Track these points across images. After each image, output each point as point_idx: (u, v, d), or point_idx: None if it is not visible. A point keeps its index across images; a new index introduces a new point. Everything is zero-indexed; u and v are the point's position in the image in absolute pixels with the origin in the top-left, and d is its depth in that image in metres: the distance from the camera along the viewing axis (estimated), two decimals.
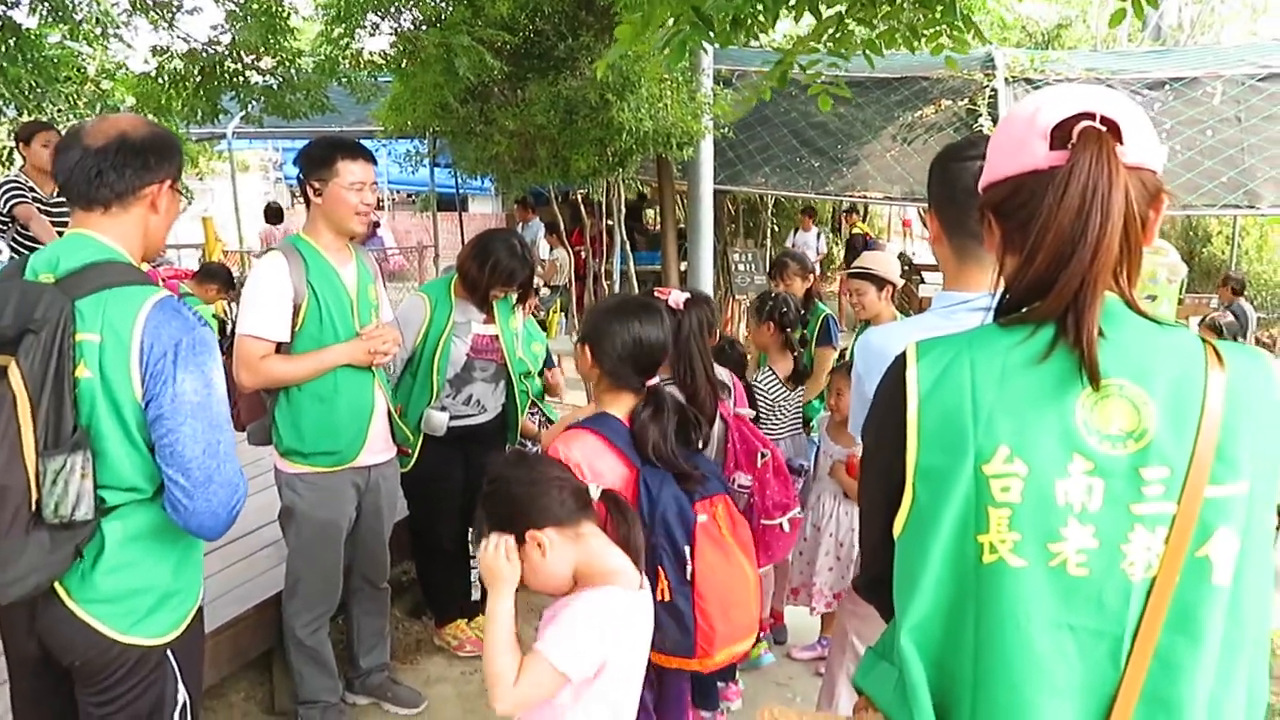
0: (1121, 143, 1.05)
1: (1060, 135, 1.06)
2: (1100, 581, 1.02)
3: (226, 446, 1.81)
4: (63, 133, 4.49)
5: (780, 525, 2.97)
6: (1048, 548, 1.02)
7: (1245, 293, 8.80)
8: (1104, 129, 1.04)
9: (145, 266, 1.99)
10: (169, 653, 1.89)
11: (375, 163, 2.99)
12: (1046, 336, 1.05)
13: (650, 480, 2.19)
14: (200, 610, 2.00)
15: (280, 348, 2.87)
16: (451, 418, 3.54)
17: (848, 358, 4.06)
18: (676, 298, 2.82)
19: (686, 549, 2.18)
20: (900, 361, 1.13)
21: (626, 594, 1.83)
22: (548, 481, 1.87)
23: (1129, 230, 1.04)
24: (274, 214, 12.01)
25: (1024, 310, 1.09)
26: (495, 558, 1.85)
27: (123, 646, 1.82)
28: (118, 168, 1.80)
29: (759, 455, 2.95)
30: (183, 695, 1.93)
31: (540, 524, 1.84)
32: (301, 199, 3.02)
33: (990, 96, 9.18)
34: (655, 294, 2.90)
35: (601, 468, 2.19)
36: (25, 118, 6.47)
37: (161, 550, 1.86)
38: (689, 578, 2.19)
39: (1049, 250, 1.03)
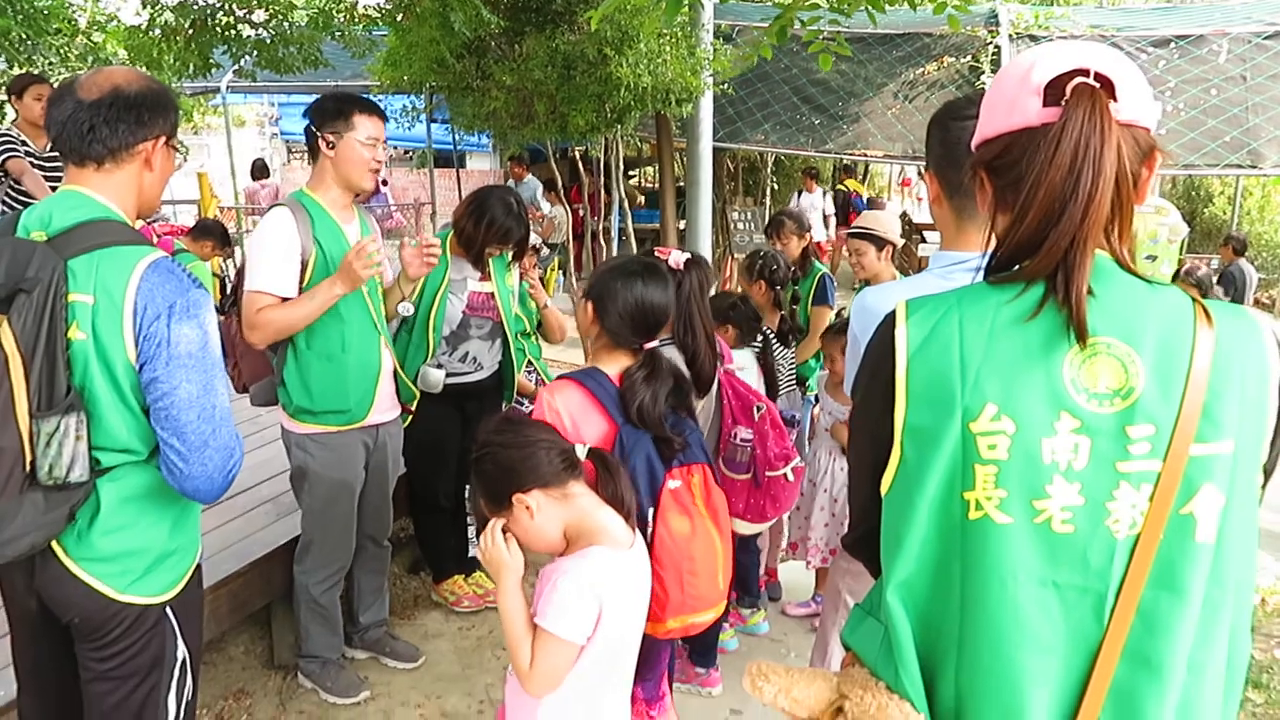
0: (1115, 100, 1.04)
1: (1053, 92, 1.05)
2: (1085, 538, 1.03)
3: (222, 410, 1.80)
4: (55, 85, 4.45)
5: (784, 475, 2.99)
6: (1033, 505, 1.03)
7: (1247, 253, 8.76)
8: (1097, 85, 1.03)
9: (139, 223, 1.97)
10: (168, 610, 1.90)
11: (387, 120, 2.97)
12: (1036, 295, 1.05)
13: (626, 438, 2.20)
14: (199, 568, 2.01)
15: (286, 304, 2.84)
16: (448, 375, 3.55)
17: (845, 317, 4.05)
18: (677, 258, 2.81)
19: (650, 511, 2.19)
20: (889, 320, 1.14)
21: (612, 553, 1.84)
22: (533, 444, 1.87)
23: (1121, 188, 1.03)
24: (260, 170, 11.97)
25: (1014, 268, 1.08)
26: (495, 549, 1.85)
27: (121, 605, 1.83)
28: (111, 123, 1.76)
29: (755, 408, 2.97)
30: (182, 651, 1.95)
31: (526, 486, 1.85)
32: (299, 155, 2.98)
33: (994, 53, 9.07)
34: (655, 253, 2.88)
35: (581, 419, 2.20)
36: (16, 70, 6.40)
37: (158, 511, 1.86)
38: (648, 540, 2.19)
39: (1040, 208, 1.03)
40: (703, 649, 3.37)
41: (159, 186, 1.92)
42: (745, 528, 3.07)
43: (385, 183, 13.22)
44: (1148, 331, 1.03)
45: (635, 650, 1.97)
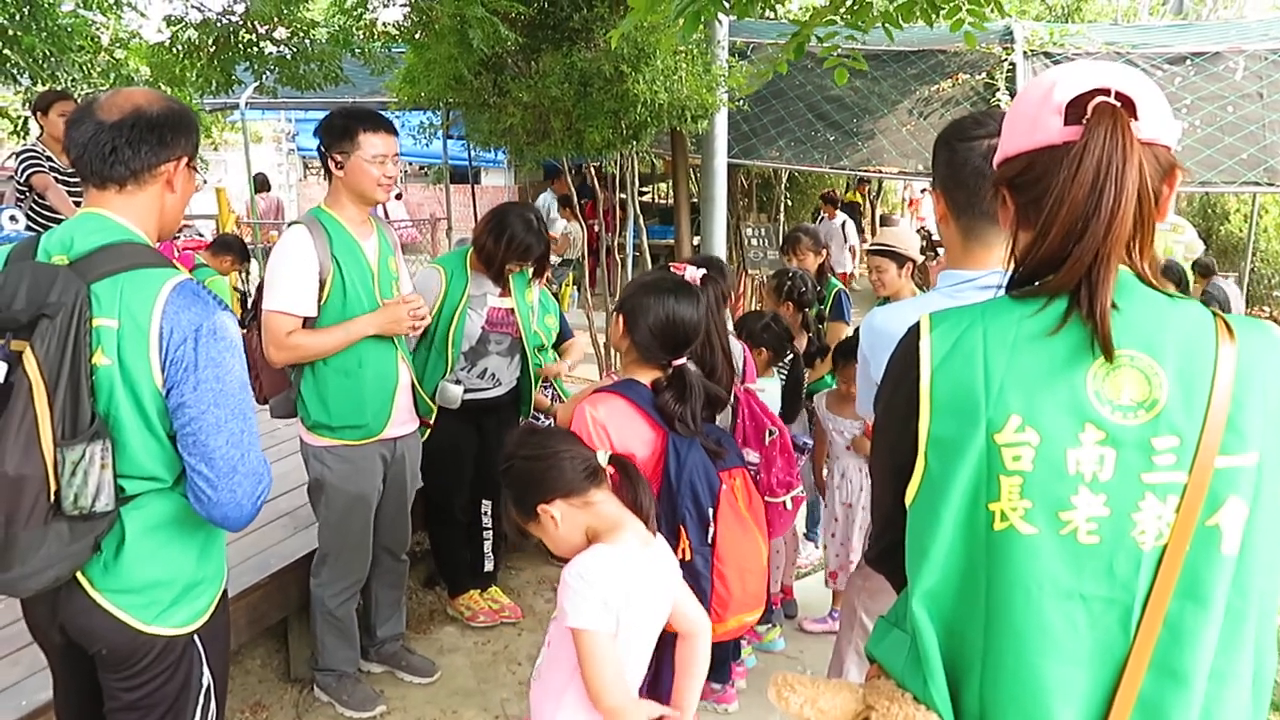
0: (1136, 118, 1.06)
1: (1075, 111, 1.07)
2: (1110, 550, 1.03)
3: (250, 435, 1.77)
4: (79, 102, 4.50)
5: (784, 503, 3.00)
6: (1058, 516, 1.04)
7: (1233, 272, 8.67)
8: (1118, 104, 1.05)
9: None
10: (195, 638, 1.87)
11: (397, 134, 2.99)
12: (1059, 308, 1.06)
13: (679, 444, 2.25)
14: (225, 594, 1.98)
15: (306, 323, 2.87)
16: (466, 391, 3.57)
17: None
18: (693, 273, 2.82)
19: (710, 511, 2.24)
20: (914, 332, 1.15)
21: (615, 549, 1.86)
22: (554, 456, 1.92)
23: (1142, 205, 1.05)
24: (261, 184, 12.27)
25: (1037, 284, 1.10)
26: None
27: (148, 636, 1.79)
28: (133, 144, 1.73)
29: (767, 432, 2.97)
30: (207, 678, 1.91)
31: (549, 497, 1.89)
32: (315, 171, 3.03)
33: (1008, 71, 9.06)
34: (670, 268, 2.89)
35: (627, 430, 2.25)
36: (39, 87, 6.48)
37: (184, 540, 1.83)
38: (709, 540, 2.23)
39: (1063, 224, 1.05)
40: (716, 664, 3.35)
41: (180, 207, 1.88)
42: None
43: (400, 196, 13.37)
44: (1170, 344, 1.04)
45: (646, 651, 1.97)
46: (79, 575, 1.73)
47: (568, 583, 1.82)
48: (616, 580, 1.82)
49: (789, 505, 2.98)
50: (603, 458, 1.97)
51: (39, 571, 1.64)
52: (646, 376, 2.35)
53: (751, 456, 2.97)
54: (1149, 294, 1.07)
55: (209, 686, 1.92)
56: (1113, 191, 1.02)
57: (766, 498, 2.96)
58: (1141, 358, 1.03)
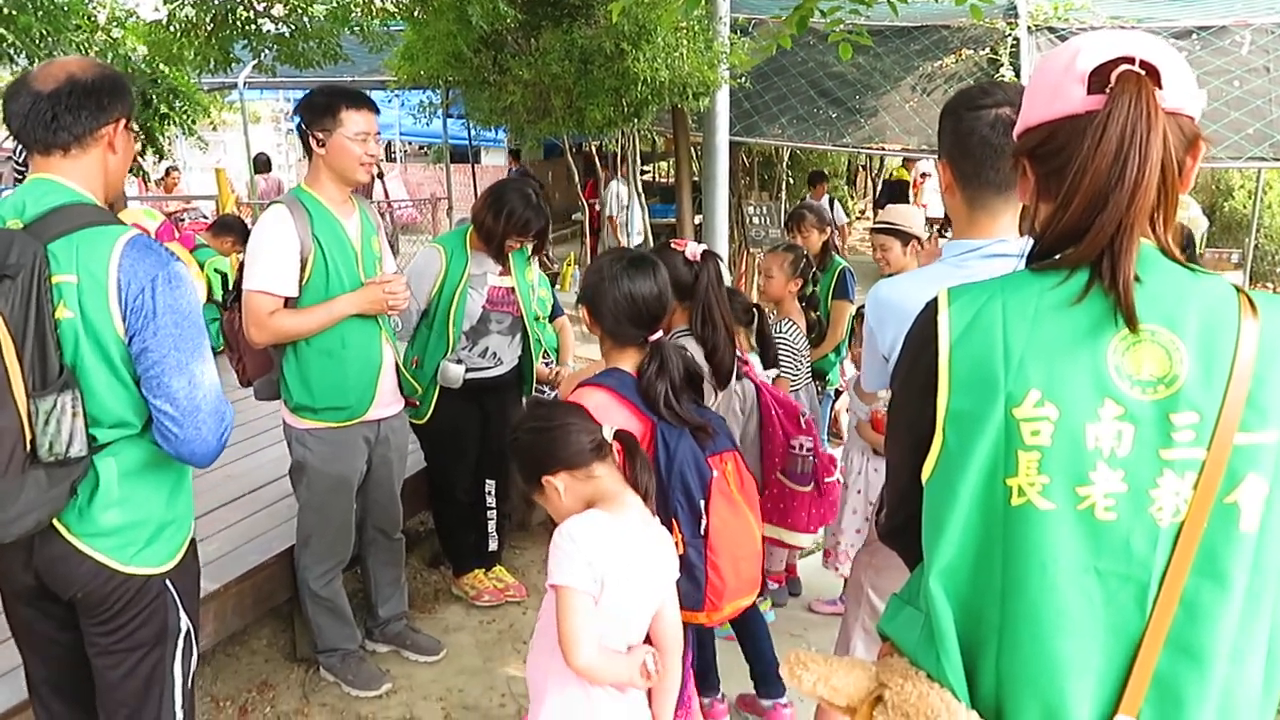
0: (1160, 87, 1.04)
1: (1098, 79, 1.05)
2: (1128, 526, 1.02)
3: (211, 376, 1.88)
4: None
5: (837, 479, 3.03)
6: (1076, 491, 1.02)
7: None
8: (1143, 73, 1.03)
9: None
10: (168, 582, 1.97)
11: (378, 112, 2.96)
12: (1081, 281, 1.04)
13: (668, 435, 2.21)
14: (194, 541, 2.09)
15: (287, 303, 2.86)
16: (467, 370, 3.55)
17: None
18: (694, 249, 2.80)
19: (702, 503, 2.21)
20: (932, 307, 1.13)
21: (609, 516, 1.89)
22: (560, 428, 1.95)
23: (1166, 175, 1.03)
24: (263, 164, 12.26)
25: (1058, 256, 1.08)
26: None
27: (124, 577, 1.89)
28: (72, 110, 1.82)
29: (800, 416, 2.97)
30: (185, 623, 2.02)
31: (552, 469, 1.94)
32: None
33: (1012, 46, 8.99)
34: (671, 245, 2.87)
35: (615, 423, 2.21)
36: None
37: (155, 482, 1.93)
38: (703, 532, 2.21)
39: (1085, 194, 1.03)
40: (703, 670, 3.06)
41: (123, 169, 1.99)
42: (803, 539, 3.07)
43: (381, 175, 13.23)
44: (1192, 319, 1.02)
45: (639, 623, 1.97)
46: (56, 522, 1.83)
47: (555, 543, 1.86)
48: (605, 543, 1.84)
49: (842, 480, 2.99)
50: (608, 432, 1.98)
51: (21, 516, 1.75)
52: (629, 362, 2.31)
53: (807, 443, 2.97)
54: (1171, 268, 1.06)
55: (189, 631, 2.03)
56: (1136, 161, 1.00)
57: (825, 479, 2.96)
58: (1162, 332, 1.02)
